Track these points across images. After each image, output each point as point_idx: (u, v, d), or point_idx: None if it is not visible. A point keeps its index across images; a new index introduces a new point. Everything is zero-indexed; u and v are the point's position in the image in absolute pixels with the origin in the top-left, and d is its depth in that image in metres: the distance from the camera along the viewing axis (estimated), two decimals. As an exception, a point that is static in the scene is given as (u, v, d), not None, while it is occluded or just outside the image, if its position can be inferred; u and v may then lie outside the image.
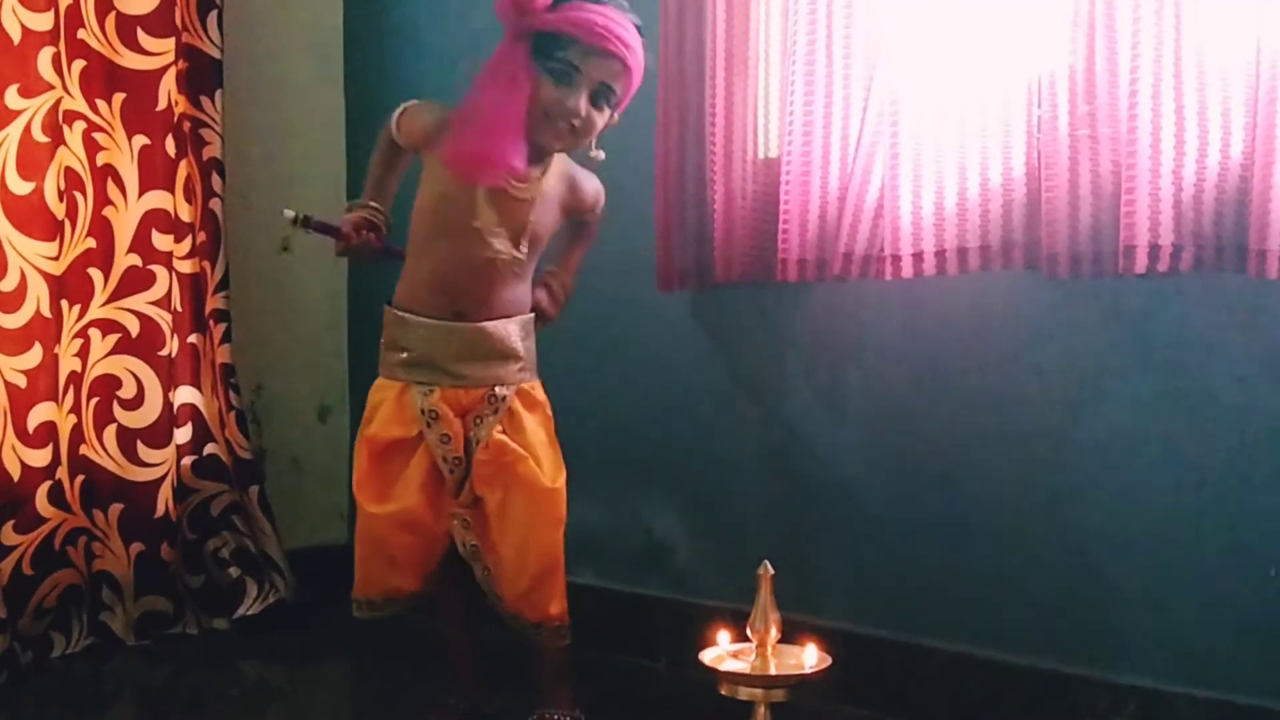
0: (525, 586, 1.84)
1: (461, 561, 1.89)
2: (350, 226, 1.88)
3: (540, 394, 1.90)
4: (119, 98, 2.58)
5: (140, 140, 2.60)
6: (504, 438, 1.83)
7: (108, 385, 2.58)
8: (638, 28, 1.77)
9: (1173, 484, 1.76)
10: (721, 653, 1.73)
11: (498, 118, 1.74)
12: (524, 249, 1.84)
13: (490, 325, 1.84)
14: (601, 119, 1.79)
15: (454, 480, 1.86)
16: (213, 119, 2.69)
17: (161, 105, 2.61)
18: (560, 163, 1.87)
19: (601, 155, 1.85)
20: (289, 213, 1.90)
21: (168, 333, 2.62)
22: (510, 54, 1.75)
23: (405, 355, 1.86)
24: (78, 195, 2.52)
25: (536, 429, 1.86)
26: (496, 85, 1.75)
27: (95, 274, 2.56)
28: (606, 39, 1.72)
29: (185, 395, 2.65)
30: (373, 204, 1.90)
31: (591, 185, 1.91)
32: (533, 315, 1.89)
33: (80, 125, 2.53)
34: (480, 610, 1.92)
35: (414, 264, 1.87)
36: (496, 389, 1.84)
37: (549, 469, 1.85)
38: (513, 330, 1.86)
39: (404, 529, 1.89)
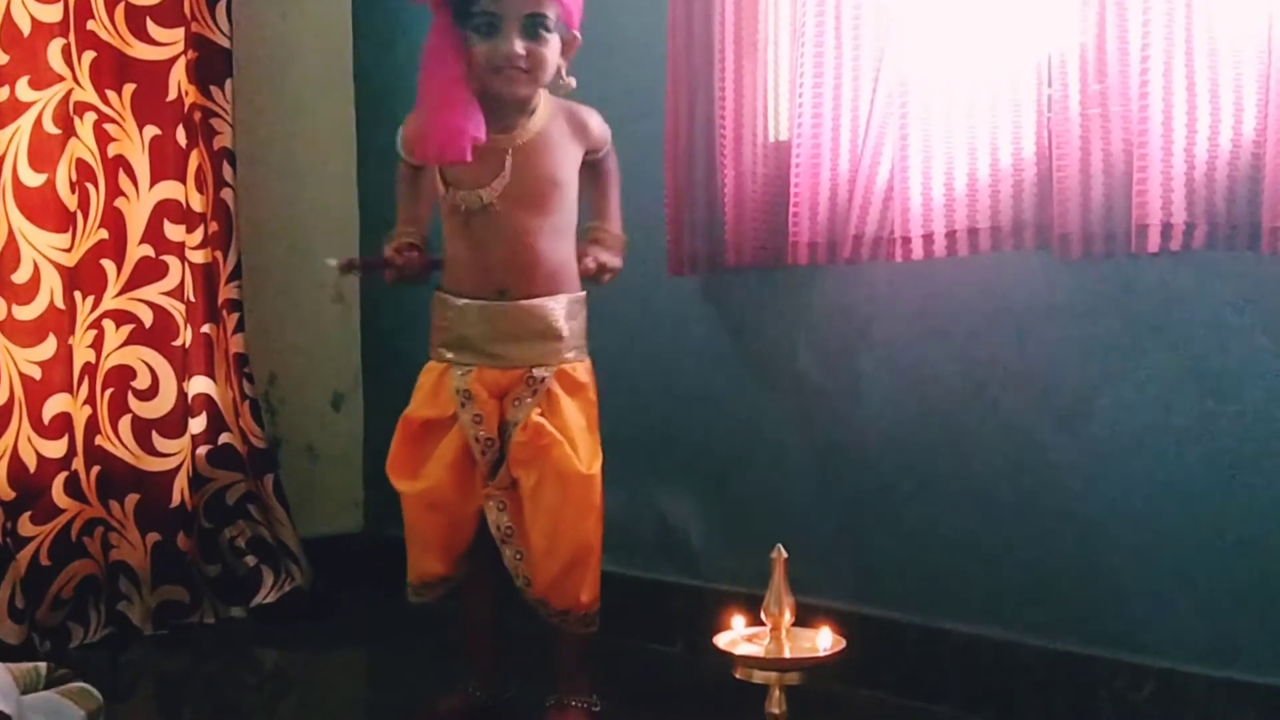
0: (555, 573, 1.82)
1: (490, 547, 1.87)
2: (393, 251, 1.89)
3: (584, 375, 1.86)
4: (129, 88, 2.59)
5: (151, 131, 2.61)
6: (541, 420, 1.81)
7: (122, 376, 2.59)
8: None
9: (1185, 464, 1.75)
10: (736, 636, 1.72)
11: (439, 96, 1.77)
12: (548, 202, 1.81)
13: (531, 304, 1.82)
14: (549, 47, 1.77)
15: (486, 462, 1.84)
16: (223, 109, 2.70)
17: (172, 95, 2.62)
18: (551, 103, 1.85)
19: (572, 82, 1.84)
20: (332, 262, 1.91)
21: (181, 323, 2.63)
22: (436, 29, 1.80)
23: (445, 336, 1.86)
24: (89, 186, 2.53)
25: (575, 413, 1.84)
26: (430, 64, 1.79)
27: (108, 265, 2.57)
28: None
29: (199, 385, 2.66)
30: (407, 228, 1.91)
31: (595, 118, 1.88)
32: (581, 294, 1.86)
33: (91, 116, 2.54)
34: (506, 597, 1.91)
35: (450, 247, 1.87)
36: (535, 370, 1.82)
37: (585, 455, 1.82)
38: (555, 308, 1.83)
39: (431, 508, 1.89)
